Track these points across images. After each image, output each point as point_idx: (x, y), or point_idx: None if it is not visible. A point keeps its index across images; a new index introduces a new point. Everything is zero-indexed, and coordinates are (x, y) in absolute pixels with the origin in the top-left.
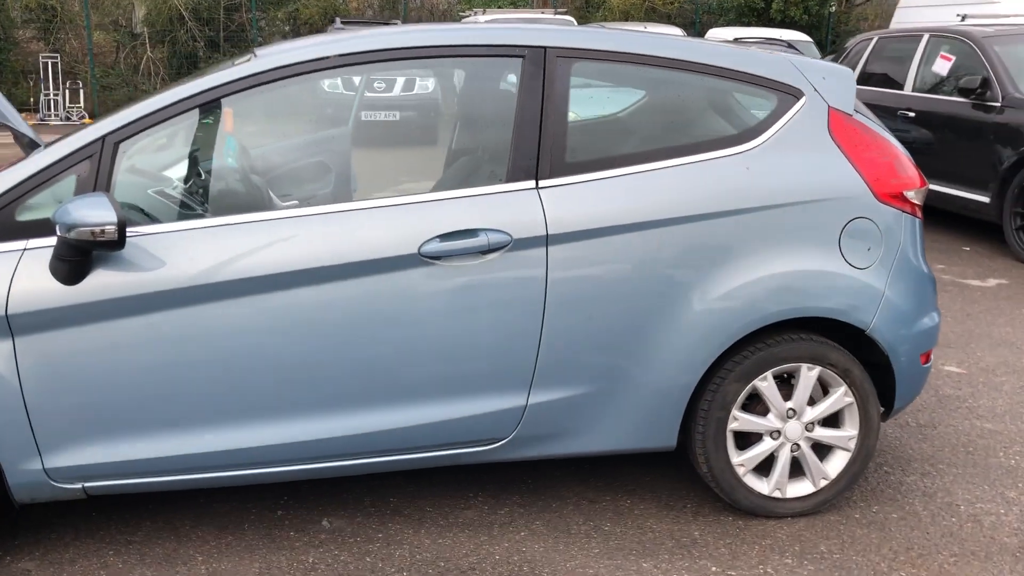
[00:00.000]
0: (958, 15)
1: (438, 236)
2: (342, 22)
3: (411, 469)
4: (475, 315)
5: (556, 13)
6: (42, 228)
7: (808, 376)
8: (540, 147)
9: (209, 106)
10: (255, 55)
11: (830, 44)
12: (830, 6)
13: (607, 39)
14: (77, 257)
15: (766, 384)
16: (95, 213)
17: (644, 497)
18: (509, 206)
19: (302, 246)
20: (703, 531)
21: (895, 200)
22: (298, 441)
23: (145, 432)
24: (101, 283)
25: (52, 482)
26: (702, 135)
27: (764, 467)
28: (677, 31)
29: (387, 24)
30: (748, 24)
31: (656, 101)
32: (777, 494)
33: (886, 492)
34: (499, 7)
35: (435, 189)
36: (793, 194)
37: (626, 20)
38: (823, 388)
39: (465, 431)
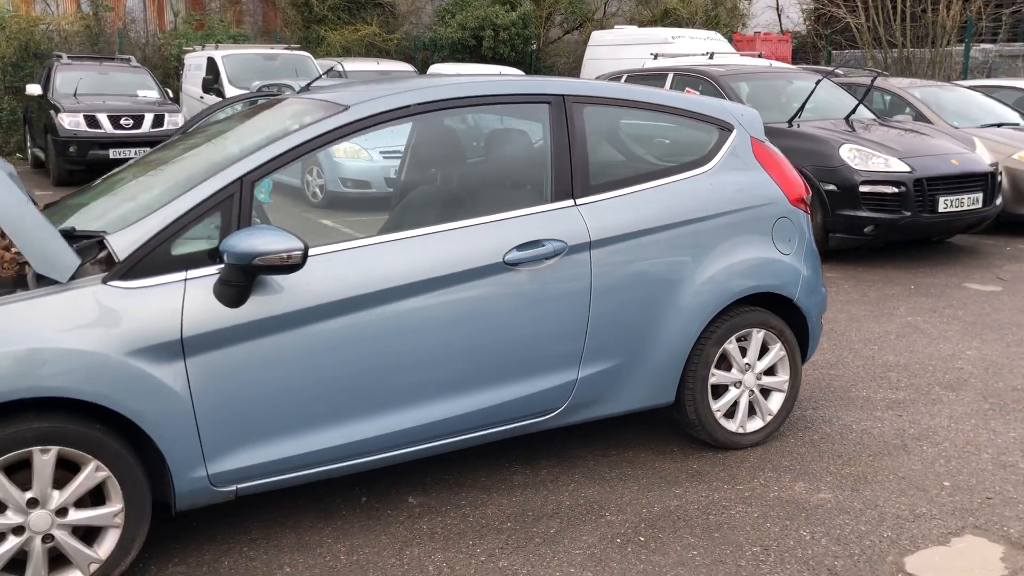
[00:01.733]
0: (652, 53)
1: (515, 247)
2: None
3: (488, 443)
4: (543, 307)
5: (289, 48)
6: (196, 260)
7: (757, 338)
8: (572, 172)
9: (318, 149)
10: (346, 107)
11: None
12: (532, 45)
13: (606, 89)
14: (243, 282)
15: (732, 347)
16: (281, 241)
17: (642, 450)
18: (560, 220)
19: (415, 262)
20: (700, 464)
21: (799, 203)
22: (412, 427)
23: (291, 433)
24: (260, 304)
25: (213, 487)
26: (676, 159)
27: (729, 411)
28: (409, 67)
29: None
30: (462, 60)
31: (641, 134)
32: (740, 430)
33: (801, 422)
34: (218, 42)
35: (498, 210)
36: (741, 202)
37: (347, 55)
38: (764, 346)
39: (532, 405)
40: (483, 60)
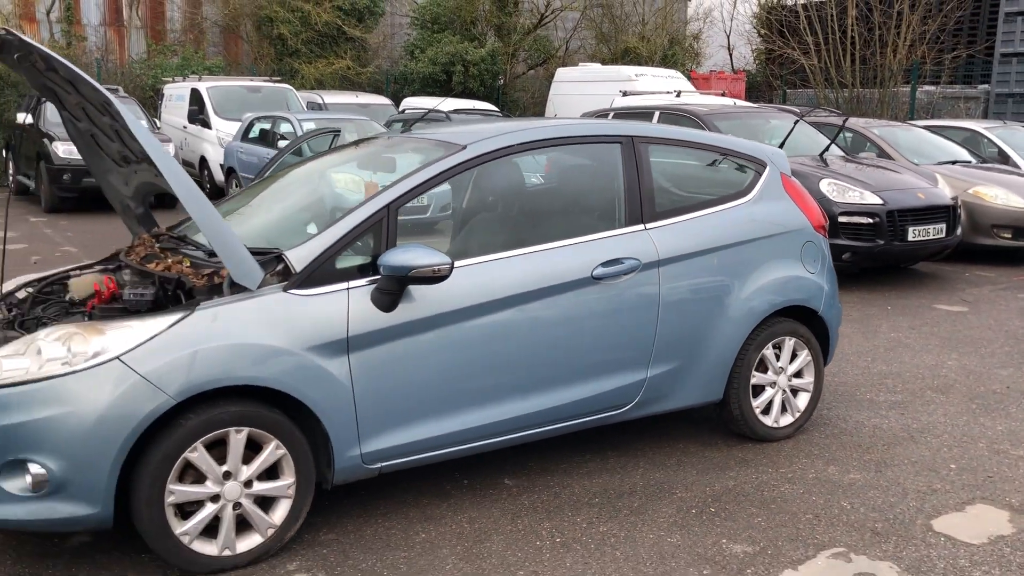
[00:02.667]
0: (621, 91)
1: (601, 263)
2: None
3: (572, 432)
4: (621, 316)
5: (271, 81)
6: (355, 272)
7: (789, 344)
8: (641, 201)
9: (443, 182)
10: (464, 147)
11: (503, 110)
12: (499, 80)
13: (665, 131)
14: (397, 291)
15: (768, 352)
16: (432, 257)
17: (692, 443)
18: (634, 242)
19: (526, 275)
20: (744, 454)
21: (820, 229)
22: (518, 415)
23: (424, 419)
24: (407, 309)
25: (364, 465)
26: (721, 191)
27: (764, 408)
28: (385, 100)
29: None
30: (432, 93)
31: (693, 169)
32: (775, 425)
33: (821, 420)
34: (196, 73)
35: (582, 233)
36: (776, 227)
37: (321, 88)
38: (793, 352)
39: (610, 399)
40: (453, 94)
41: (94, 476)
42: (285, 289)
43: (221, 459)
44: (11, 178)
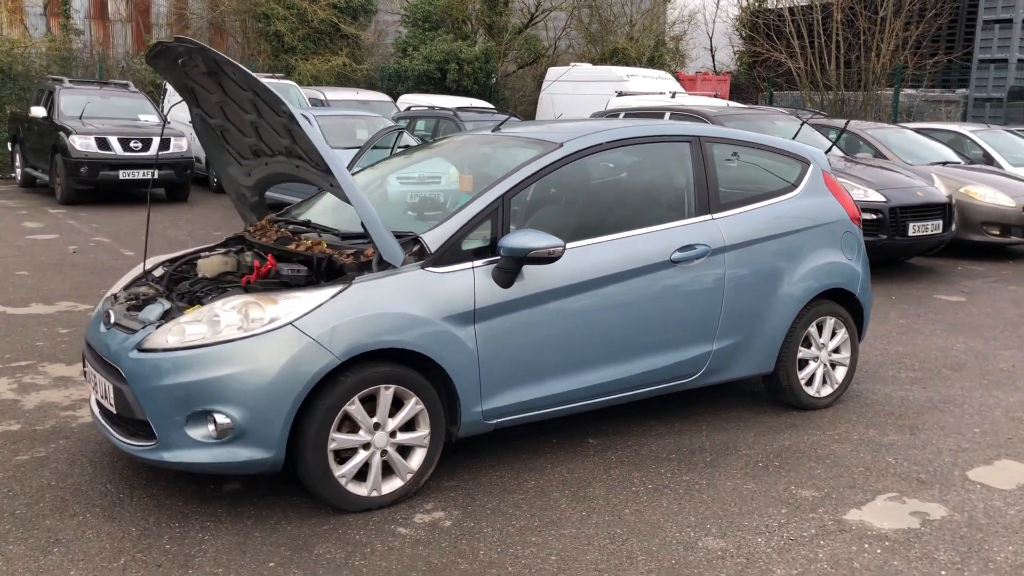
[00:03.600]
0: (616, 92)
1: (678, 248)
2: None
3: (647, 398)
4: (693, 295)
5: (274, 76)
6: (478, 253)
7: (830, 323)
8: (708, 193)
9: (547, 176)
10: (560, 144)
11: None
12: (492, 79)
13: (726, 132)
14: (515, 270)
15: (812, 329)
16: (548, 240)
17: (744, 411)
18: (704, 230)
19: (616, 257)
20: (792, 419)
21: (856, 220)
22: (606, 382)
23: (537, 380)
24: (521, 286)
25: (484, 421)
26: (773, 186)
27: (807, 380)
28: (386, 97)
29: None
30: (427, 91)
31: (749, 167)
32: (817, 395)
33: (853, 393)
34: None
35: (659, 222)
36: (820, 219)
37: (316, 84)
38: (833, 330)
39: (682, 369)
40: (447, 92)
41: (271, 425)
42: (423, 267)
43: (371, 412)
44: (18, 170)
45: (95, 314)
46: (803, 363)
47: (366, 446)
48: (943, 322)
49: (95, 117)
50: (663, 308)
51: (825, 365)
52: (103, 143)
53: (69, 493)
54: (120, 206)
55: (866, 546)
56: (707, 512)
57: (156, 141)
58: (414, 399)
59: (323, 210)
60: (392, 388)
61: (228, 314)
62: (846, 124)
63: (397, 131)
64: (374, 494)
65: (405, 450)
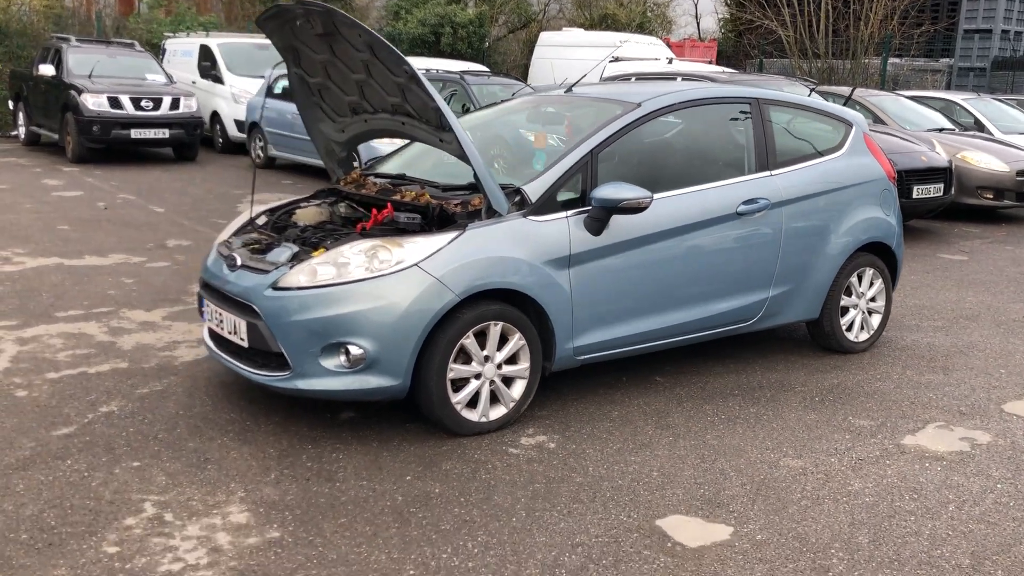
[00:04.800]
0: (613, 56)
1: (743, 202)
2: None
3: (710, 340)
4: (754, 245)
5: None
6: (570, 204)
7: (868, 273)
8: (767, 152)
9: (628, 133)
10: (639, 104)
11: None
12: (485, 43)
13: (781, 96)
14: (605, 219)
15: (853, 279)
16: (638, 192)
17: (791, 355)
18: (764, 185)
19: (691, 208)
20: (835, 362)
21: (892, 179)
22: (681, 323)
23: (621, 320)
24: (608, 234)
25: (574, 357)
26: (821, 145)
27: (847, 327)
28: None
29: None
30: (421, 54)
31: (802, 126)
32: (856, 340)
33: (884, 340)
34: (190, 29)
35: (724, 177)
36: (862, 177)
37: None
38: (870, 281)
39: (742, 313)
40: (441, 55)
41: (400, 355)
42: (524, 215)
43: (481, 347)
44: (22, 128)
45: (211, 259)
46: (844, 310)
47: (477, 376)
48: (951, 279)
49: (104, 76)
50: (729, 256)
51: (863, 312)
52: (115, 102)
53: (199, 421)
54: (133, 164)
55: (927, 465)
56: (780, 438)
57: (167, 100)
58: (517, 335)
59: (404, 165)
60: (500, 325)
61: (356, 256)
62: (852, 91)
63: (452, 92)
64: (483, 419)
65: (508, 381)
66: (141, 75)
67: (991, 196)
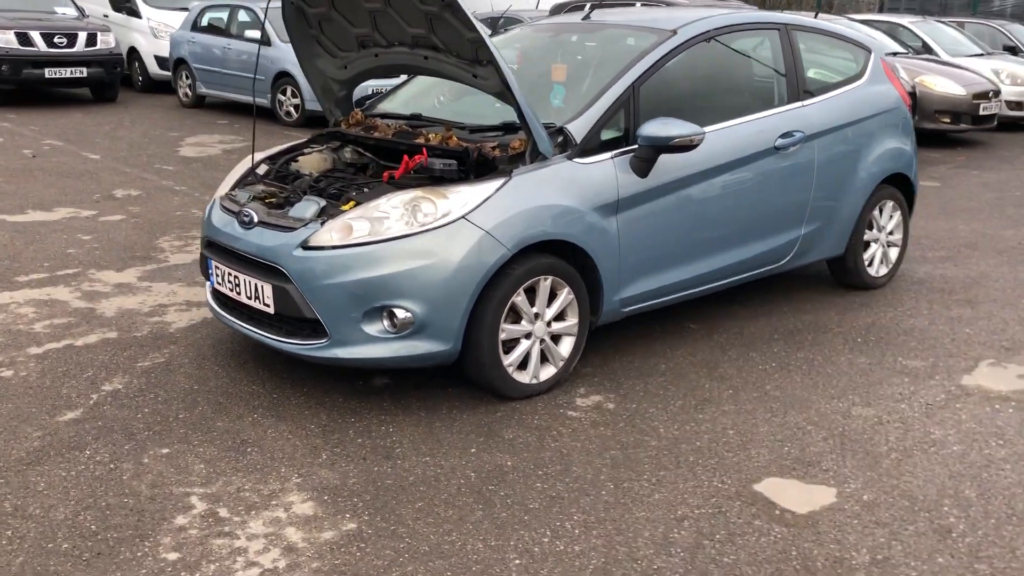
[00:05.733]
0: None
1: (780, 135)
2: None
3: (746, 283)
4: (791, 179)
5: None
6: (614, 143)
7: (888, 206)
8: (798, 82)
9: (667, 64)
10: (674, 32)
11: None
12: None
13: (805, 21)
14: (653, 158)
15: (876, 212)
16: (689, 129)
17: (816, 293)
18: (797, 117)
19: (732, 144)
20: (862, 299)
21: (910, 108)
22: (722, 267)
23: (666, 267)
24: (655, 174)
25: (620, 309)
26: (844, 74)
27: (869, 262)
28: None
29: None
30: None
31: (827, 54)
32: (877, 274)
33: (900, 273)
34: None
35: (757, 110)
36: (884, 106)
37: None
38: (889, 214)
39: (776, 254)
40: None
41: (451, 317)
42: (569, 158)
43: (531, 303)
44: None
45: (214, 215)
46: (866, 245)
47: (527, 336)
48: (933, 206)
49: (7, 10)
50: (768, 193)
51: (883, 246)
52: (24, 39)
53: (220, 396)
54: (49, 107)
55: (997, 406)
56: (841, 385)
57: (83, 36)
58: (567, 289)
59: (407, 104)
60: (550, 279)
61: (396, 210)
62: (816, 16)
63: None
64: (534, 381)
65: (556, 339)
66: (49, 8)
67: (948, 120)
